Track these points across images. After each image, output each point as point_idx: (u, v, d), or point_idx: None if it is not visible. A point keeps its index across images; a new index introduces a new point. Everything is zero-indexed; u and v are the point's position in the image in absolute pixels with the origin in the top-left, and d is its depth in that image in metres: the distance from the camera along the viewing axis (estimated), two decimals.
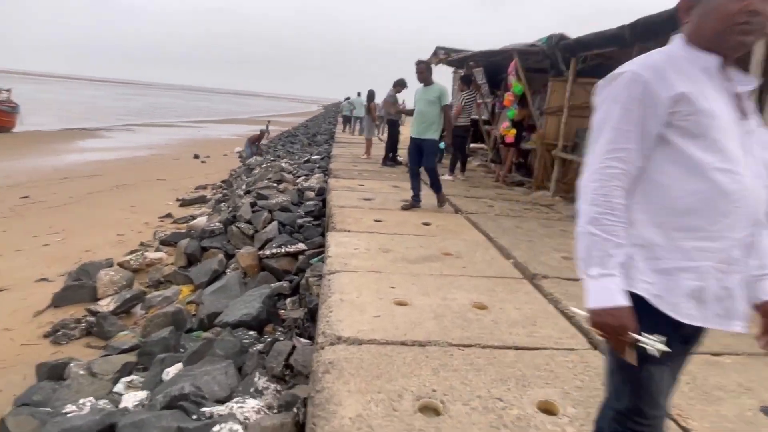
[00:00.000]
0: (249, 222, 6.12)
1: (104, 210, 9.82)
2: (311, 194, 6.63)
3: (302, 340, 3.61)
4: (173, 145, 22.39)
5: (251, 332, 3.93)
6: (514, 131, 7.49)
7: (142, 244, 7.60)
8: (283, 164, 10.00)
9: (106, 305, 5.06)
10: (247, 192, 7.17)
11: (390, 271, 3.23)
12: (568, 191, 7.01)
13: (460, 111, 7.78)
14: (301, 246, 5.59)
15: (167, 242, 7.30)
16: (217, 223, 6.41)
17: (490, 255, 3.80)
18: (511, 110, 7.44)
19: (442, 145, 6.03)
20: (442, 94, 5.45)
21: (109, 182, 12.71)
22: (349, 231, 4.17)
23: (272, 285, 5.19)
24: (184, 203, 10.48)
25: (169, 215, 9.36)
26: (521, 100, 7.60)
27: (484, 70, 10.50)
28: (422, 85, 5.61)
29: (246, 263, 5.52)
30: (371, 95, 11.84)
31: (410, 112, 6.12)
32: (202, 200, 10.69)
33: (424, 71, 5.58)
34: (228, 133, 30.93)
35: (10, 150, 17.73)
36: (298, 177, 7.68)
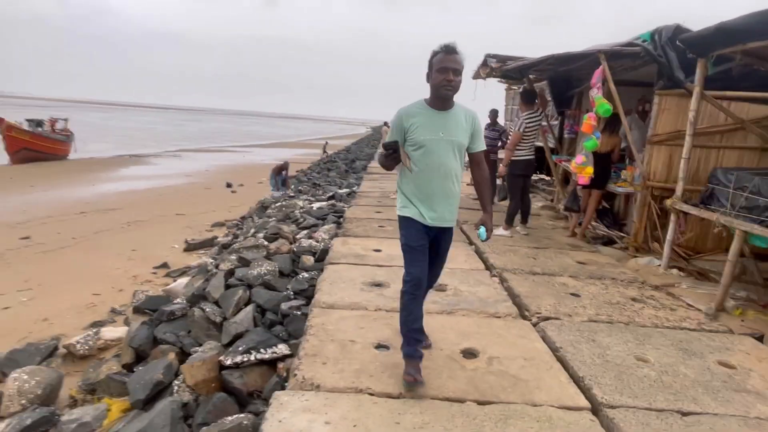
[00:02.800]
0: (217, 303, 4.31)
1: (99, 256, 8.62)
2: (310, 260, 4.73)
3: None
4: (212, 172, 21.87)
5: None
6: (590, 169, 5.21)
7: (112, 310, 6.09)
8: (299, 203, 8.26)
9: None
10: (237, 251, 5.41)
11: None
12: (687, 259, 4.68)
13: (518, 139, 5.64)
14: (282, 349, 3.73)
15: (141, 310, 5.69)
16: (182, 300, 4.65)
17: None
18: (591, 139, 5.16)
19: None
20: (476, 129, 2.59)
21: (124, 218, 11.99)
22: (318, 387, 2.16)
23: (227, 421, 3.31)
24: (190, 247, 9.00)
25: (164, 265, 7.89)
26: (608, 125, 5.40)
27: (550, 83, 8.27)
28: (438, 108, 2.50)
29: (196, 379, 3.65)
30: None
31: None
32: (210, 243, 9.15)
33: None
34: (272, 158, 30.63)
35: (47, 179, 17.94)
36: (303, 228, 5.78)
